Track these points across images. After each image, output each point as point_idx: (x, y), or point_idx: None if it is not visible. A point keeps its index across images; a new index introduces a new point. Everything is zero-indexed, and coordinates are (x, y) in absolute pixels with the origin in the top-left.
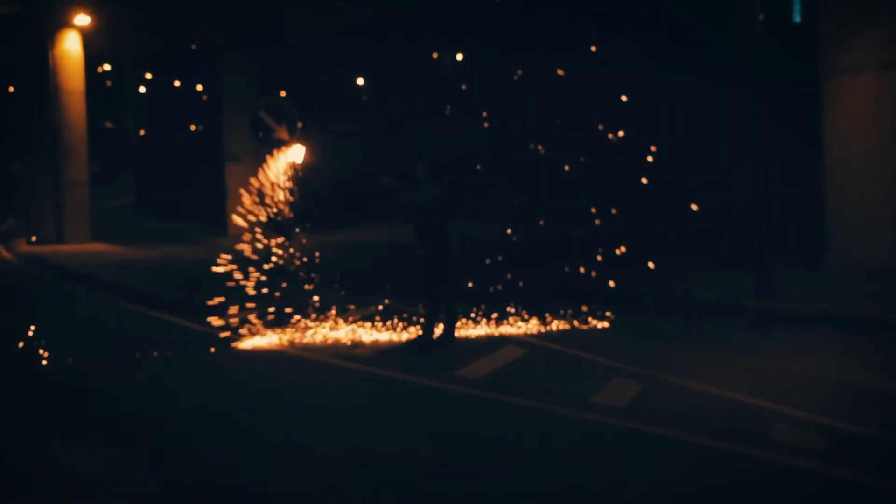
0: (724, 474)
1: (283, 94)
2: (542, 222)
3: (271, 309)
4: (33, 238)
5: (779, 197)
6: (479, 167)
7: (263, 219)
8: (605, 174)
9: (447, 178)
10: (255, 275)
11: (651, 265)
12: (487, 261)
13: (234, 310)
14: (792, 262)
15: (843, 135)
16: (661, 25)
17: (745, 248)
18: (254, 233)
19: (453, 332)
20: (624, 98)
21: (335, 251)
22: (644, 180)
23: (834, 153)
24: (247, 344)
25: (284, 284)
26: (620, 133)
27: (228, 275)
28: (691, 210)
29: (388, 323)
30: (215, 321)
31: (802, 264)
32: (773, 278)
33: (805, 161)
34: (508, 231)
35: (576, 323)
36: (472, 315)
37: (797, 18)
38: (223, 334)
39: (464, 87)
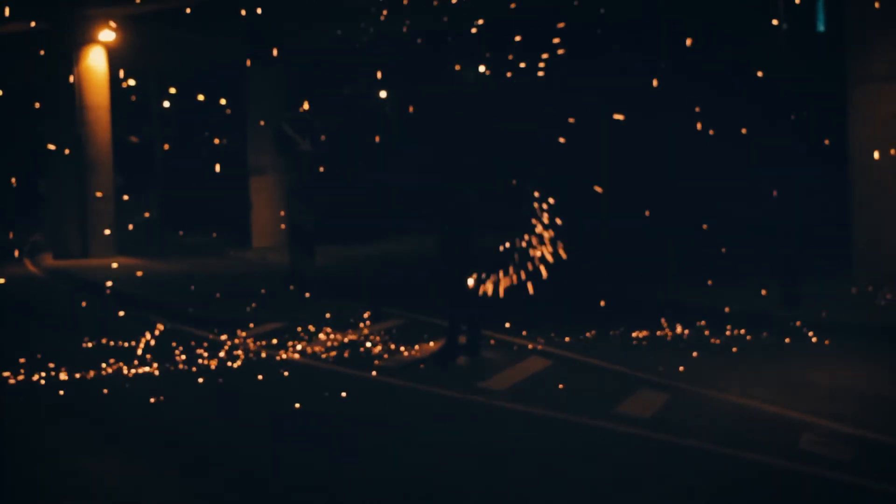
0: (751, 485)
1: (306, 106)
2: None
3: (295, 320)
4: (59, 252)
5: (804, 207)
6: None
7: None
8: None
9: (468, 192)
10: (281, 287)
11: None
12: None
13: (258, 322)
14: (818, 272)
15: (868, 143)
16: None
17: (772, 258)
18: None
19: (477, 344)
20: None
21: (357, 264)
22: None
23: (858, 162)
24: (271, 356)
25: (307, 296)
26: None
27: (254, 287)
28: (716, 221)
29: (413, 335)
30: (239, 333)
31: (828, 274)
32: (799, 288)
33: (830, 170)
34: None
35: (601, 334)
36: (496, 326)
37: (820, 27)
38: (248, 346)
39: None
